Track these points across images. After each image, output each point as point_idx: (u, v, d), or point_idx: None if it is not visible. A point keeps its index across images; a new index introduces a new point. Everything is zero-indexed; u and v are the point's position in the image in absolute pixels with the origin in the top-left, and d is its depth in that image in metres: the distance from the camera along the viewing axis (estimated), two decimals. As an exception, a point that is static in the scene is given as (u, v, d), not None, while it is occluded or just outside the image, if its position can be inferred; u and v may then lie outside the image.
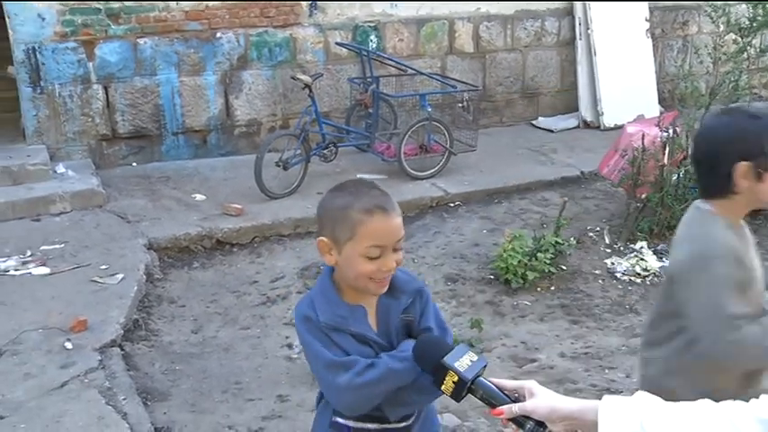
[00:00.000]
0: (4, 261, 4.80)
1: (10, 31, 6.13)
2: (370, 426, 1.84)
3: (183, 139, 7.01)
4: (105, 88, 6.55)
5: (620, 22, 8.70)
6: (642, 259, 5.44)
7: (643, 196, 5.73)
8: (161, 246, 5.34)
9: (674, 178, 5.71)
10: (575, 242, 5.45)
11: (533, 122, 8.79)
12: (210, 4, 6.78)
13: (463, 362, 1.61)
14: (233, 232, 5.62)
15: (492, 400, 1.57)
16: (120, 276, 4.66)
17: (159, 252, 5.31)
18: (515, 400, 1.55)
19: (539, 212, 6.28)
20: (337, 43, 7.33)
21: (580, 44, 8.67)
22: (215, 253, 5.51)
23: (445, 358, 1.62)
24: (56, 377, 3.59)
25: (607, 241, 5.77)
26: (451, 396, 1.62)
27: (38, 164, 5.87)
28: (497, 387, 1.59)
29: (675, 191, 5.68)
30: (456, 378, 1.59)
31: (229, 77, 7.07)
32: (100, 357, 3.79)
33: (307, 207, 5.99)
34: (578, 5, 8.60)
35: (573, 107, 8.90)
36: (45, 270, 4.73)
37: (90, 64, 6.42)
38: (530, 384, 1.55)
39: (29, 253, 4.93)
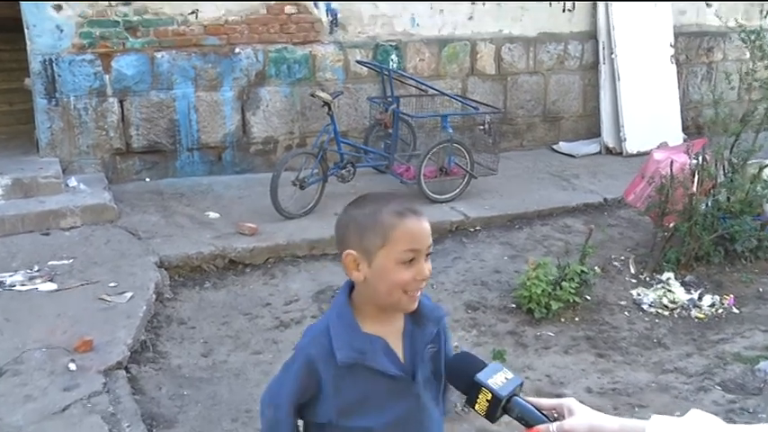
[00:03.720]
0: (11, 276, 4.66)
1: (28, 41, 6.04)
2: None
3: (198, 155, 6.89)
4: (121, 102, 6.45)
5: (645, 47, 8.55)
6: (669, 291, 5.23)
7: (670, 225, 5.54)
8: (172, 264, 5.18)
9: (703, 207, 5.53)
10: (599, 271, 5.26)
11: (554, 147, 8.63)
12: (230, 18, 6.68)
13: (497, 379, 1.53)
14: (246, 252, 5.46)
15: (528, 419, 1.51)
16: (128, 295, 4.50)
17: (170, 270, 5.15)
18: (554, 420, 1.48)
19: (561, 239, 6.09)
20: (358, 61, 7.21)
21: (604, 68, 8.52)
22: (227, 273, 5.35)
23: (478, 375, 1.54)
24: (57, 401, 3.42)
25: (632, 271, 5.57)
26: (486, 416, 1.54)
27: (50, 177, 5.75)
28: (534, 406, 1.52)
29: (704, 220, 5.50)
30: (490, 396, 1.51)
31: (247, 94, 6.96)
32: (104, 380, 3.61)
33: (323, 228, 5.83)
34: (602, 29, 8.46)
35: (594, 132, 8.74)
36: (52, 286, 4.58)
37: (106, 77, 6.32)
38: (569, 402, 1.50)
39: (36, 268, 4.79)
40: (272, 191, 5.85)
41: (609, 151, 8.54)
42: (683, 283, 5.34)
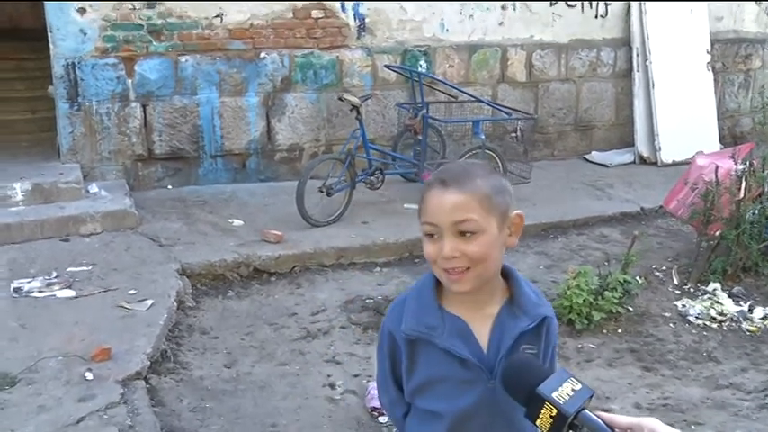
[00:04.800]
0: (29, 282, 4.48)
1: (51, 45, 5.92)
2: None
3: (222, 162, 6.72)
4: (143, 107, 6.30)
5: (680, 54, 8.30)
6: (717, 302, 4.94)
7: (716, 234, 5.26)
8: (194, 272, 4.99)
9: (749, 215, 5.24)
10: (643, 281, 4.98)
11: (586, 157, 8.38)
12: (255, 22, 6.53)
13: (563, 391, 1.30)
14: (272, 260, 5.25)
15: None
16: (149, 302, 4.31)
17: (192, 279, 4.95)
18: None
19: (598, 249, 5.83)
20: (387, 66, 7.01)
21: (637, 76, 8.26)
22: (252, 282, 5.14)
23: (541, 387, 1.30)
24: (72, 411, 3.21)
25: (675, 282, 5.28)
26: None
27: (70, 182, 5.60)
28: (607, 423, 1.28)
29: (752, 229, 5.21)
30: (554, 412, 1.28)
31: (272, 100, 6.78)
32: (122, 391, 3.41)
33: (351, 236, 5.64)
34: (636, 36, 8.22)
35: (627, 142, 8.48)
36: (70, 293, 4.40)
37: (129, 81, 6.17)
38: (650, 423, 1.27)
39: (54, 274, 4.61)
40: (298, 197, 5.65)
41: (643, 161, 8.27)
42: (730, 295, 5.05)
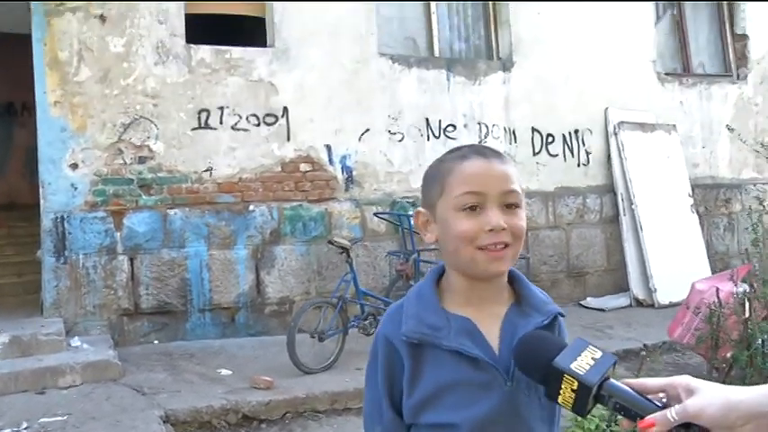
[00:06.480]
0: (-5, 435, 4.15)
1: (42, 200, 5.94)
2: None
3: (210, 316, 6.52)
4: (131, 260, 6.21)
5: (664, 198, 8.45)
6: (740, 428, 4.61)
7: (728, 356, 5.03)
8: (179, 419, 4.66)
9: (759, 341, 5.05)
10: (658, 407, 4.68)
11: (582, 303, 8.24)
12: (244, 176, 6.63)
13: (582, 361, 1.18)
14: (262, 406, 4.94)
15: (632, 408, 1.14)
16: (128, 446, 3.97)
17: (177, 427, 4.62)
18: (664, 406, 1.13)
19: (606, 385, 5.55)
20: (375, 214, 7.05)
21: (625, 220, 8.35)
22: (240, 429, 4.81)
23: (557, 359, 1.18)
24: None
25: (692, 411, 4.97)
26: (574, 410, 1.18)
27: (51, 334, 5.38)
28: (636, 390, 1.16)
29: (763, 348, 4.99)
30: (576, 385, 1.16)
31: (261, 252, 6.73)
32: None
33: (345, 381, 5.36)
34: (619, 181, 8.40)
35: (621, 287, 8.39)
36: (41, 442, 4.06)
37: (117, 234, 6.14)
38: (683, 380, 1.13)
39: (24, 425, 4.28)
40: (288, 343, 5.44)
41: (639, 304, 8.16)
42: (753, 420, 4.73)
